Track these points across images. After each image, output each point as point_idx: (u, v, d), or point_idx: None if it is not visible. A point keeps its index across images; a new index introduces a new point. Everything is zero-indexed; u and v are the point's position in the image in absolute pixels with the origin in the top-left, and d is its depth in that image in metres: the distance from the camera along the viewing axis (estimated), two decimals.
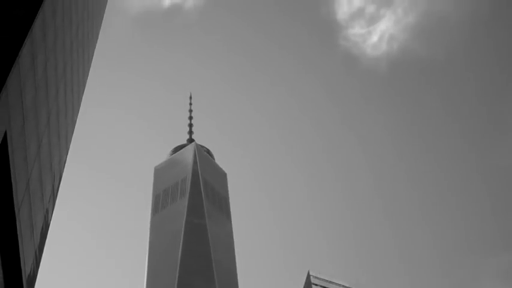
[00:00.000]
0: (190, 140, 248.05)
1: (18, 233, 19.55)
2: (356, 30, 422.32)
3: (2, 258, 18.42)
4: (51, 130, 24.83)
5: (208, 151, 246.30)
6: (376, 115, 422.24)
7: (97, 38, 42.18)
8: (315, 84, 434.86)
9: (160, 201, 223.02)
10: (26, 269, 21.89)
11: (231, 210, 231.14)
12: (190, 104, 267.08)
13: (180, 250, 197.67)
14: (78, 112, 34.22)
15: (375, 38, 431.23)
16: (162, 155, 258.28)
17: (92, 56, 40.17)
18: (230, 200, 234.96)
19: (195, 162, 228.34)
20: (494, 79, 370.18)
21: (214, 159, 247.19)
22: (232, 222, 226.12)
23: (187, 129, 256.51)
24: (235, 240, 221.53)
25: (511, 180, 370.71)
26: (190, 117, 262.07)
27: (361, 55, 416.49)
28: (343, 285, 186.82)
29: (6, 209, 18.33)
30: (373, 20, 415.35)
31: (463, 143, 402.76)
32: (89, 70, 38.75)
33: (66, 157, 31.85)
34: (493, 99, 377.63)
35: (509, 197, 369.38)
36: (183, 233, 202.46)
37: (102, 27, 44.78)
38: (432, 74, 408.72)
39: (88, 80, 39.14)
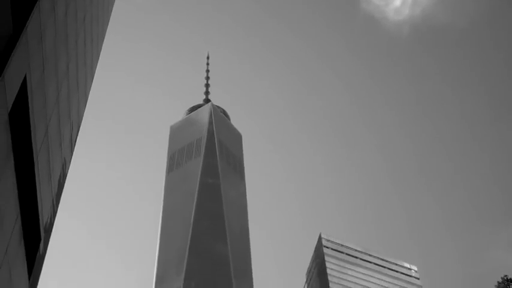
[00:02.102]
0: (207, 100, 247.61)
1: (36, 178, 19.46)
2: None
3: (20, 203, 18.38)
4: (70, 79, 24.58)
5: (224, 112, 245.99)
6: (396, 80, 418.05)
7: None
8: (336, 47, 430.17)
9: (175, 160, 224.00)
10: (43, 216, 21.92)
11: (245, 171, 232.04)
12: (208, 64, 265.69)
13: (193, 209, 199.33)
14: (96, 64, 33.90)
15: (397, 2, 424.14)
16: (179, 115, 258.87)
17: (112, 8, 39.63)
18: (244, 161, 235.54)
19: (210, 122, 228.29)
20: None
21: (229, 120, 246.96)
22: (246, 184, 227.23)
23: (204, 89, 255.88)
24: (248, 201, 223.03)
25: None
26: (207, 78, 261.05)
27: (383, 19, 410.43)
28: (354, 249, 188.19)
29: (25, 154, 18.20)
30: None
31: (482, 109, 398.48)
32: (108, 22, 38.26)
33: (85, 109, 31.68)
34: None
35: None
36: (197, 192, 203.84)
37: None
38: (453, 40, 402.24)
39: (106, 37, 38.71)
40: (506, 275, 35.13)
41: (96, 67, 33.83)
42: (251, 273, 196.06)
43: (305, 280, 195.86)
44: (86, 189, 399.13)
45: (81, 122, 30.43)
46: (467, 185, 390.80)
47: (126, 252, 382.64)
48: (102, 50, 36.30)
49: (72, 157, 29.23)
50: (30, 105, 17.51)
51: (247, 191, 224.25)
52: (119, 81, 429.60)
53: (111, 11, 38.62)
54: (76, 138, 29.36)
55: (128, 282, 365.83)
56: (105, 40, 37.88)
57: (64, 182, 27.00)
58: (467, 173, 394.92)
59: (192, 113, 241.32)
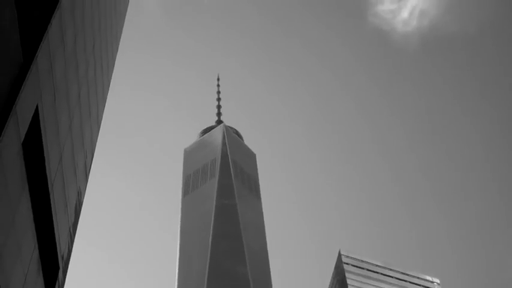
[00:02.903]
0: (219, 122, 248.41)
1: (52, 209, 19.48)
2: (386, 6, 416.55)
3: (38, 234, 18.37)
4: (82, 106, 24.70)
5: (237, 132, 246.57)
6: (408, 91, 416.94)
7: (124, 18, 41.97)
8: (346, 61, 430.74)
9: (191, 182, 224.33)
10: (61, 245, 21.90)
11: (261, 190, 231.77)
12: (218, 85, 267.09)
13: (211, 231, 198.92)
14: (108, 90, 34.12)
15: (405, 14, 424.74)
16: (192, 137, 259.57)
17: (120, 35, 39.97)
18: (260, 181, 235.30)
19: (224, 143, 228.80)
20: None
21: (243, 140, 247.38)
22: (262, 203, 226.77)
23: (216, 110, 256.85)
24: (265, 221, 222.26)
25: None
26: (219, 99, 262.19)
27: (391, 31, 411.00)
28: (375, 264, 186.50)
29: (40, 184, 18.24)
30: None
31: (493, 119, 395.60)
32: (117, 49, 38.59)
33: (98, 135, 31.81)
34: None
35: None
36: (213, 214, 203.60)
37: (129, 7, 44.56)
38: (464, 49, 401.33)
39: (116, 61, 39.00)
40: None
41: (107, 94, 34.04)
42: None
43: None
44: (102, 217, 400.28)
45: (94, 150, 30.54)
46: (483, 192, 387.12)
47: (146, 278, 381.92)
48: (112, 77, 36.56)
49: (87, 185, 29.29)
50: (43, 134, 17.58)
51: (264, 210, 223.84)
52: (130, 108, 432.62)
53: (120, 38, 38.97)
54: (90, 165, 29.44)
55: None
56: (116, 67, 38.17)
57: (80, 211, 27.02)
58: (480, 180, 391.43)
59: (205, 135, 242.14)
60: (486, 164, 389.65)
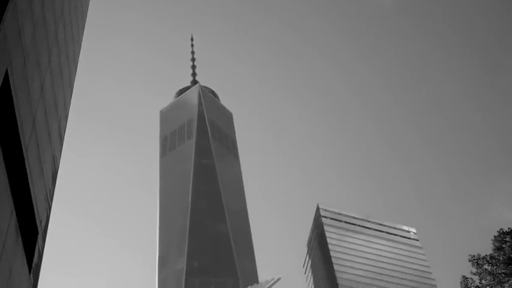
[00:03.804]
0: (194, 82, 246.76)
1: (28, 173, 19.45)
2: None
3: (14, 199, 18.39)
4: (54, 71, 24.40)
5: (212, 92, 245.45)
6: (388, 44, 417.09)
7: None
8: (319, 22, 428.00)
9: (168, 143, 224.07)
10: (38, 210, 21.94)
11: (239, 149, 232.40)
12: (192, 45, 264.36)
13: (190, 191, 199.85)
14: (79, 53, 33.62)
15: None
16: (167, 98, 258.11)
17: None
18: (237, 140, 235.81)
19: (200, 103, 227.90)
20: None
21: (219, 100, 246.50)
22: (241, 162, 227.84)
23: (191, 71, 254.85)
24: (244, 179, 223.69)
25: None
26: (193, 59, 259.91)
27: None
28: (352, 216, 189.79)
29: (14, 149, 18.17)
30: None
31: (474, 67, 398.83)
32: (87, 12, 37.86)
33: (71, 99, 31.51)
34: (504, 24, 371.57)
35: None
36: (192, 174, 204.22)
37: None
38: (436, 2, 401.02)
39: (88, 25, 38.29)
40: (501, 229, 35.55)
41: (78, 57, 33.57)
42: (253, 249, 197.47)
43: (306, 251, 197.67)
44: (80, 181, 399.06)
45: (68, 114, 30.30)
46: (462, 143, 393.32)
47: (127, 239, 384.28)
48: (84, 39, 35.99)
49: (63, 149, 29.17)
50: (14, 99, 17.42)
51: (242, 169, 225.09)
52: (103, 71, 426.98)
53: (89, 1, 38.19)
54: (65, 130, 29.27)
55: (130, 267, 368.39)
56: (87, 30, 37.53)
57: (56, 175, 26.97)
58: (461, 130, 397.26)
59: (181, 95, 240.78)
60: (466, 115, 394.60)
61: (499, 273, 35.61)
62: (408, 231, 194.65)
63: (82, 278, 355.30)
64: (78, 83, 33.15)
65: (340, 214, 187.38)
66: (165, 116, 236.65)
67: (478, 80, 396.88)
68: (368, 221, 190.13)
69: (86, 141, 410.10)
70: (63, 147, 29.08)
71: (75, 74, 32.32)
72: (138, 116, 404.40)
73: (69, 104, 30.54)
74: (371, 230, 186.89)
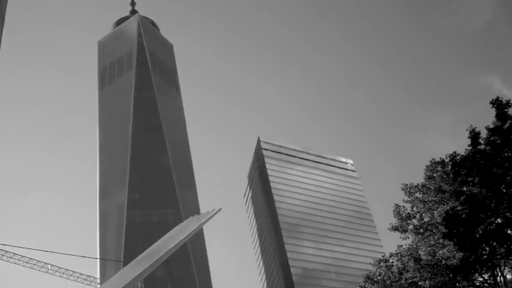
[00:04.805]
0: (133, 12, 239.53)
1: None
2: None
3: None
4: None
5: (152, 22, 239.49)
6: None
7: None
8: None
9: (107, 75, 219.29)
10: None
11: (180, 82, 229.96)
12: None
13: (130, 123, 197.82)
14: None
15: None
16: (105, 29, 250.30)
17: None
18: (178, 72, 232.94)
19: (139, 34, 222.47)
20: None
21: (159, 30, 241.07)
22: (182, 94, 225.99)
23: (129, 0, 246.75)
24: (185, 112, 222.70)
25: (459, 40, 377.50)
26: None
27: None
28: (292, 149, 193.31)
29: None
30: None
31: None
32: None
33: (2, 30, 30.35)
34: None
35: (456, 55, 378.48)
36: (132, 106, 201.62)
37: None
38: None
39: None
40: (433, 159, 37.12)
41: None
42: (194, 181, 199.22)
43: (247, 183, 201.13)
44: (15, 115, 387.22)
45: (0, 44, 29.25)
46: (398, 75, 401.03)
47: (66, 172, 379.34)
48: None
49: None
50: None
51: (183, 101, 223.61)
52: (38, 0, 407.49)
53: None
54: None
55: (71, 200, 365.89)
56: None
57: None
58: (397, 63, 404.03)
59: (120, 25, 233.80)
60: (403, 48, 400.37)
61: (430, 201, 37.42)
62: (346, 163, 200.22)
63: (22, 206, 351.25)
64: (10, 13, 31.80)
65: (280, 146, 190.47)
66: (103, 47, 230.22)
67: (431, 16, 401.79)
68: (307, 153, 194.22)
69: (20, 72, 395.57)
70: None
71: (6, 3, 31.03)
72: (75, 47, 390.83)
73: (1, 34, 29.44)
74: (310, 162, 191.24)
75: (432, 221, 36.89)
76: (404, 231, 38.33)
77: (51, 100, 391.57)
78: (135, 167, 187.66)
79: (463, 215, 31.79)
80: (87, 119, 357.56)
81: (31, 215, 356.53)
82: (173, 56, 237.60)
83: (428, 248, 36.18)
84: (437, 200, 36.84)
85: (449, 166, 34.41)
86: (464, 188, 33.57)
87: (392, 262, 36.91)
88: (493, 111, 32.69)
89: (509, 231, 31.66)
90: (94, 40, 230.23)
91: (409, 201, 38.58)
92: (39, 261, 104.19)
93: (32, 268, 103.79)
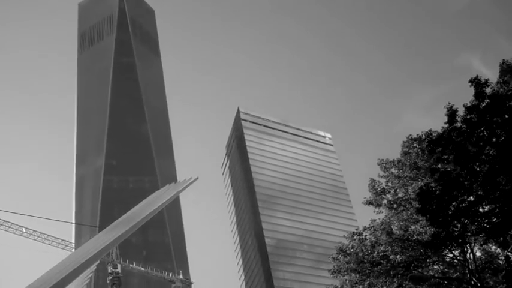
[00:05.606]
0: None
1: None
2: None
3: None
4: None
5: None
6: None
7: None
8: None
9: (87, 39, 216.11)
10: None
11: (161, 49, 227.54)
12: None
13: (109, 89, 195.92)
14: None
15: None
16: None
17: None
18: (159, 39, 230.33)
19: None
20: None
21: None
22: (162, 61, 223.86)
23: None
24: (165, 79, 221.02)
25: (441, 19, 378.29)
26: None
27: None
28: (271, 120, 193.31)
29: None
30: None
31: None
32: None
33: None
34: None
35: (438, 33, 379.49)
36: (111, 71, 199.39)
37: None
38: None
39: None
40: (410, 135, 37.35)
41: None
42: (172, 149, 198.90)
43: (225, 153, 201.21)
44: None
45: None
46: (380, 50, 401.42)
47: (43, 136, 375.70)
48: None
49: None
50: None
51: (163, 68, 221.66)
52: None
53: None
54: None
55: (47, 164, 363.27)
56: None
57: None
58: (378, 37, 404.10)
59: None
60: (383, 25, 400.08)
61: (405, 177, 37.74)
62: (324, 136, 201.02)
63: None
64: None
65: (259, 118, 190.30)
66: (84, 9, 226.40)
67: None
68: (286, 125, 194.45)
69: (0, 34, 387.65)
70: None
71: None
72: (54, 8, 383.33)
73: None
74: (288, 134, 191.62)
75: (406, 197, 37.28)
76: (379, 205, 38.68)
77: (30, 61, 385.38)
78: (112, 133, 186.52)
79: (437, 192, 32.18)
80: (66, 83, 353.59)
81: (7, 181, 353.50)
82: (155, 22, 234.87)
83: (401, 223, 36.63)
84: (412, 176, 37.16)
85: (426, 143, 34.67)
86: (439, 165, 33.91)
87: (365, 235, 37.32)
88: (472, 90, 32.89)
89: (480, 209, 32.17)
90: (75, 2, 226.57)
91: (384, 176, 38.86)
92: (13, 223, 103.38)
93: (6, 231, 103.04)
